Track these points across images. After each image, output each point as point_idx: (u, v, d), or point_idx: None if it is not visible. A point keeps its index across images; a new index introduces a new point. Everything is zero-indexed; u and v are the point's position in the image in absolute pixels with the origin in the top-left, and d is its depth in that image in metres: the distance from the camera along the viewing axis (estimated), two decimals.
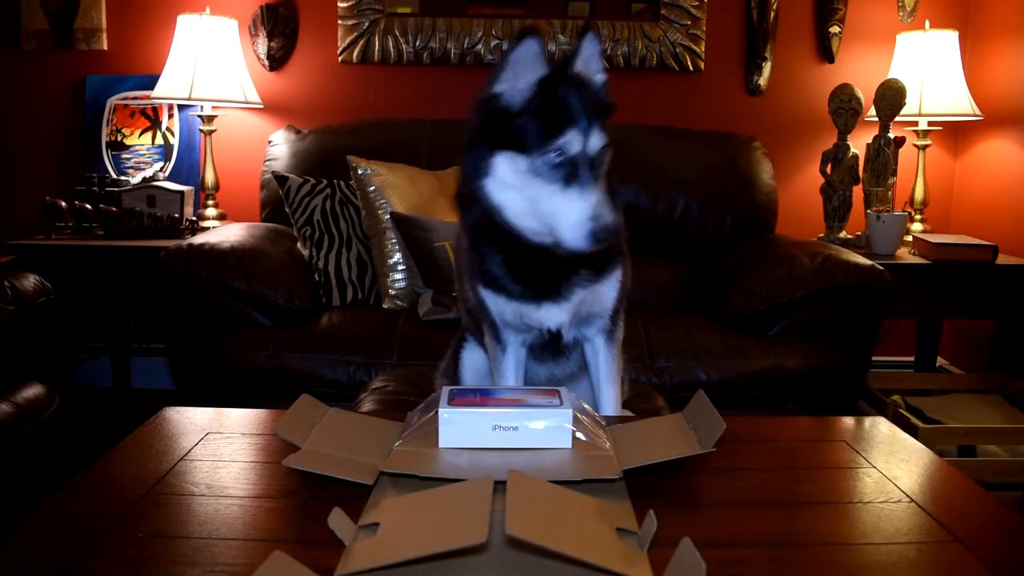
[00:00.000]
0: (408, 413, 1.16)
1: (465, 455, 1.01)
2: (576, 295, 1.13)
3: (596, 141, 0.96)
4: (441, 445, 1.02)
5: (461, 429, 1.02)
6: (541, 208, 1.01)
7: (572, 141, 0.96)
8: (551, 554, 0.72)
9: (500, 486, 0.85)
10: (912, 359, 3.05)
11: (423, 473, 0.93)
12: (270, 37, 2.94)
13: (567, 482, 0.91)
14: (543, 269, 1.10)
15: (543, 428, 1.02)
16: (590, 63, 1.00)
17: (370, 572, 0.73)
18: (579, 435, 1.02)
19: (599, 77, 1.02)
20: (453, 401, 1.06)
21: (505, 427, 1.02)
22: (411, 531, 0.80)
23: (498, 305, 1.16)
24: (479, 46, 2.97)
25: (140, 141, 2.98)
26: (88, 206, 2.60)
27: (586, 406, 1.10)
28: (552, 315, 1.14)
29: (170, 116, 2.98)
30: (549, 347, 1.22)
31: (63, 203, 2.57)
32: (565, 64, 0.98)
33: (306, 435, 1.03)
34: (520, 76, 0.98)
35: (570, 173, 0.97)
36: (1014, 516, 0.92)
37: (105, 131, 2.96)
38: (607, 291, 1.18)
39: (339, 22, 2.98)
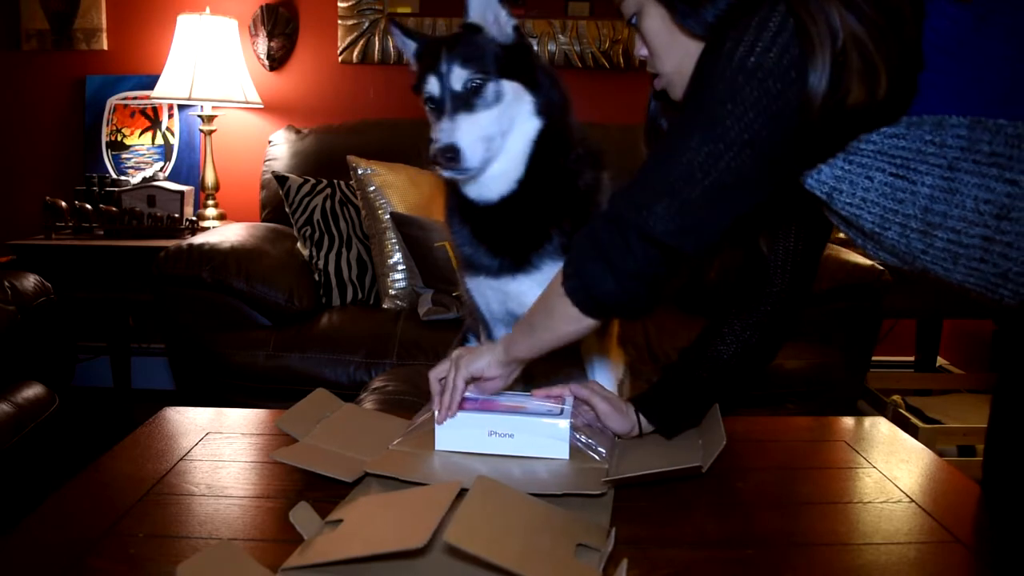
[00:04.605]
0: (418, 412, 1.16)
1: (456, 460, 0.99)
2: (547, 266, 1.12)
3: (458, 77, 1.03)
4: (437, 448, 1.01)
5: (457, 433, 1.01)
6: None
7: (431, 84, 1.04)
8: (487, 565, 0.71)
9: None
10: (912, 359, 3.05)
11: (403, 476, 0.93)
12: (270, 37, 2.94)
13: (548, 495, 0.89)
14: (504, 236, 1.12)
15: (538, 437, 1.00)
16: (487, 12, 1.06)
17: (313, 568, 0.73)
18: (578, 442, 1.00)
19: (508, 22, 1.08)
20: None
21: (501, 434, 1.00)
22: (365, 530, 0.79)
23: (479, 288, 1.17)
24: None
25: (140, 141, 2.98)
26: (88, 206, 2.60)
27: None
28: (527, 288, 1.12)
29: (170, 116, 2.98)
30: None
31: (63, 203, 2.57)
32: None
33: (308, 429, 1.03)
34: (405, 45, 1.13)
35: (437, 110, 1.05)
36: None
37: (105, 131, 2.96)
38: None
39: (339, 22, 2.98)
